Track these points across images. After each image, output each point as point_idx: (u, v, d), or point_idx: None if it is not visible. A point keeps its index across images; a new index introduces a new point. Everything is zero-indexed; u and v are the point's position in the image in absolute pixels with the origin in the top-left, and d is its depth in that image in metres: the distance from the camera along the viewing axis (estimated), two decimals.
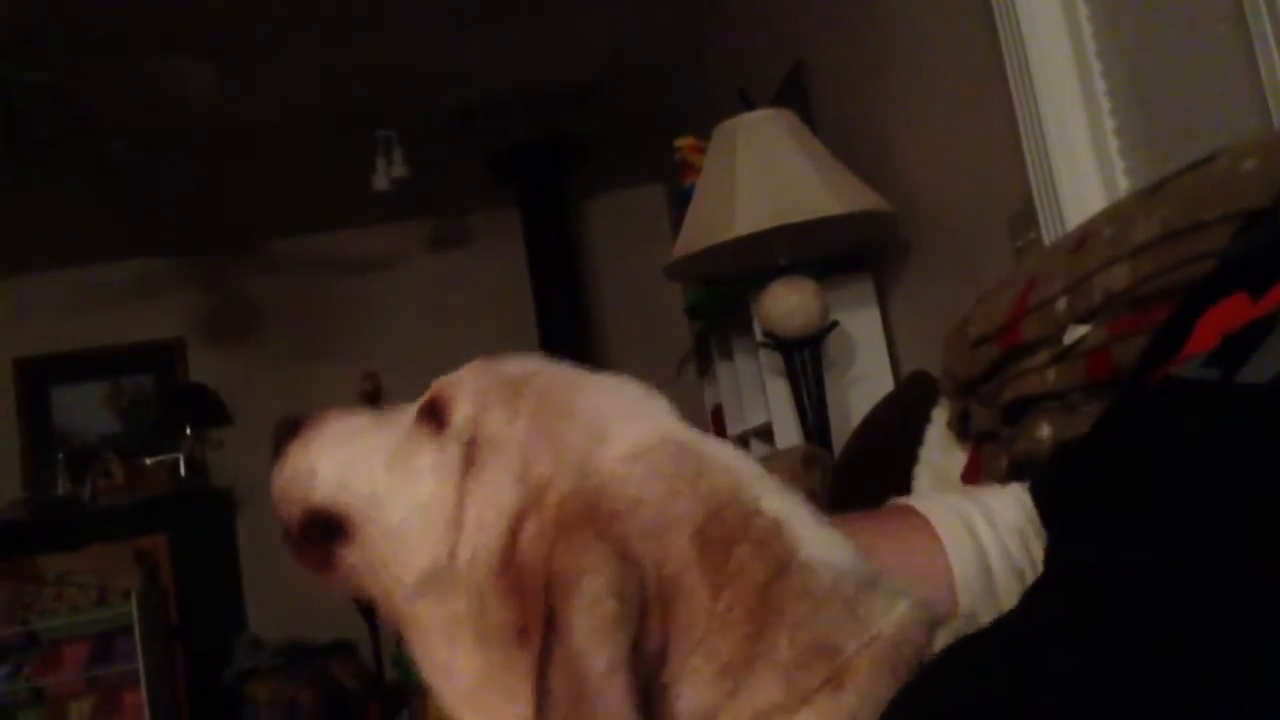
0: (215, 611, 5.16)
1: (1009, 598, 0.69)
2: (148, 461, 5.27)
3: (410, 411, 0.71)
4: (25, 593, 4.66)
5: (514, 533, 0.61)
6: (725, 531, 0.60)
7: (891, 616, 0.58)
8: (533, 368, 0.70)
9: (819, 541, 0.62)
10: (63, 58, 3.17)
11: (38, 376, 5.67)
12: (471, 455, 0.65)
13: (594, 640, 0.53)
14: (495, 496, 0.62)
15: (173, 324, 5.73)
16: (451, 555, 0.63)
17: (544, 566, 0.57)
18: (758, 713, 0.55)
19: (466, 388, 0.68)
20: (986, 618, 0.63)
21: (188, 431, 5.40)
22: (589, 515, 0.59)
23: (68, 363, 5.64)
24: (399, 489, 0.66)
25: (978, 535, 0.74)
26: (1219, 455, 0.51)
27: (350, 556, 0.68)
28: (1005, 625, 0.55)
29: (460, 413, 0.66)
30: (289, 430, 0.74)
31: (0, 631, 4.54)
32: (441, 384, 0.70)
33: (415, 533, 0.64)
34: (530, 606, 0.58)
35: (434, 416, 0.68)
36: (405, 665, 3.78)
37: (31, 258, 5.45)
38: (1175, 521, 0.50)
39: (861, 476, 1.91)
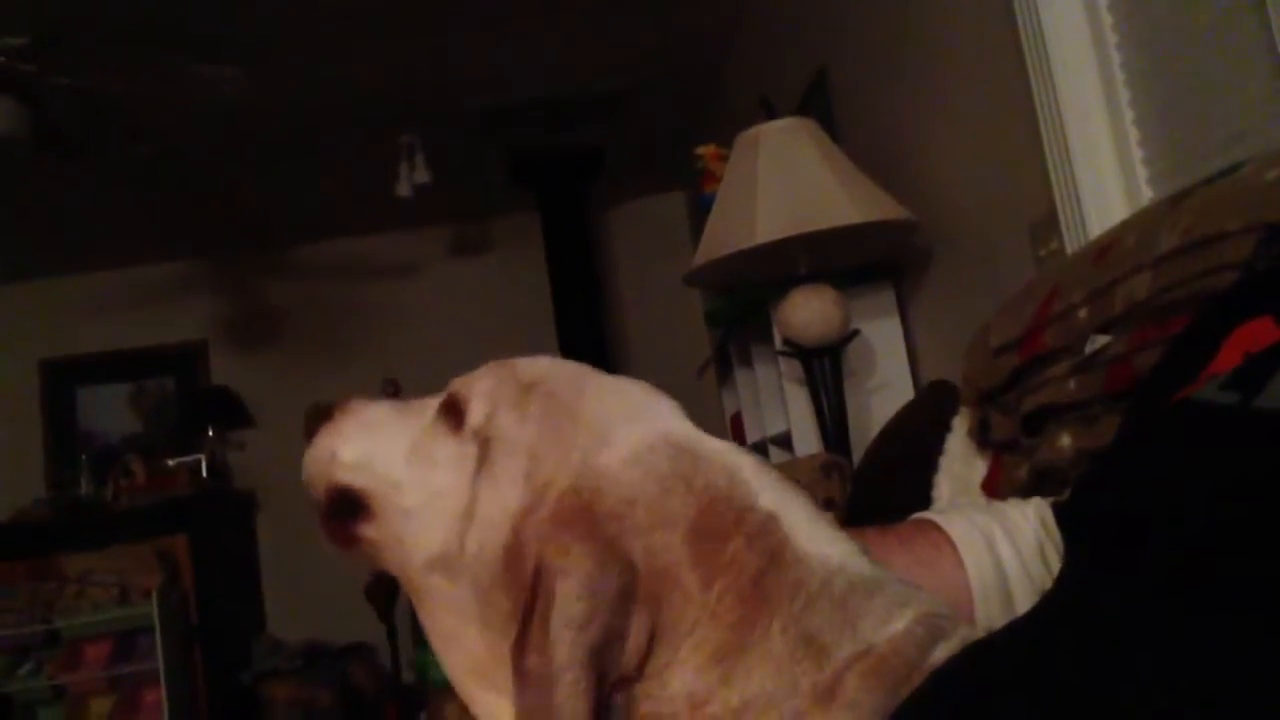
0: (235, 612, 5.18)
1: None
2: (170, 463, 5.30)
3: (430, 406, 0.75)
4: (47, 591, 4.70)
5: (516, 530, 0.65)
6: (719, 525, 0.62)
7: (888, 629, 0.59)
8: (543, 369, 0.73)
9: (814, 537, 0.63)
10: (91, 61, 3.20)
11: (62, 377, 5.72)
12: (485, 453, 0.68)
13: (559, 636, 0.58)
14: (503, 495, 0.66)
15: (196, 327, 5.78)
16: (461, 546, 0.67)
17: (535, 559, 0.62)
18: (747, 701, 0.57)
19: (481, 389, 0.72)
20: None
21: (209, 433, 5.44)
22: (581, 515, 0.62)
23: (92, 364, 5.69)
24: (416, 477, 0.71)
25: (998, 552, 0.75)
26: (1234, 481, 0.51)
27: (370, 532, 0.74)
28: (1008, 638, 0.55)
29: (476, 413, 0.70)
30: (320, 416, 0.79)
31: (23, 629, 4.58)
32: (459, 384, 0.74)
33: (429, 518, 0.69)
34: (521, 593, 0.62)
35: (452, 414, 0.72)
36: (423, 668, 3.79)
37: (57, 260, 5.50)
38: (1184, 545, 0.50)
39: (881, 485, 1.91)
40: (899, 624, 0.59)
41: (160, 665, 4.45)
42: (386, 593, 4.76)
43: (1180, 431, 0.59)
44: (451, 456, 0.70)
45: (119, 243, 5.38)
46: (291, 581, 5.38)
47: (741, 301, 2.97)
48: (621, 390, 0.72)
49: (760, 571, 0.60)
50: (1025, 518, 0.77)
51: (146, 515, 4.91)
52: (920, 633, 0.59)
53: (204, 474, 5.31)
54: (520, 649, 0.59)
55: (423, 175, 4.56)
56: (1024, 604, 0.72)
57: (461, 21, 3.83)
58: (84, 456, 5.36)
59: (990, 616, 0.72)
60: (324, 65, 3.98)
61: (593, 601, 0.58)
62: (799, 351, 2.45)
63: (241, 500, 5.54)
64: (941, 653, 0.58)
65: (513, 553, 0.64)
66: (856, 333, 2.47)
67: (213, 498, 5.23)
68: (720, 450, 0.67)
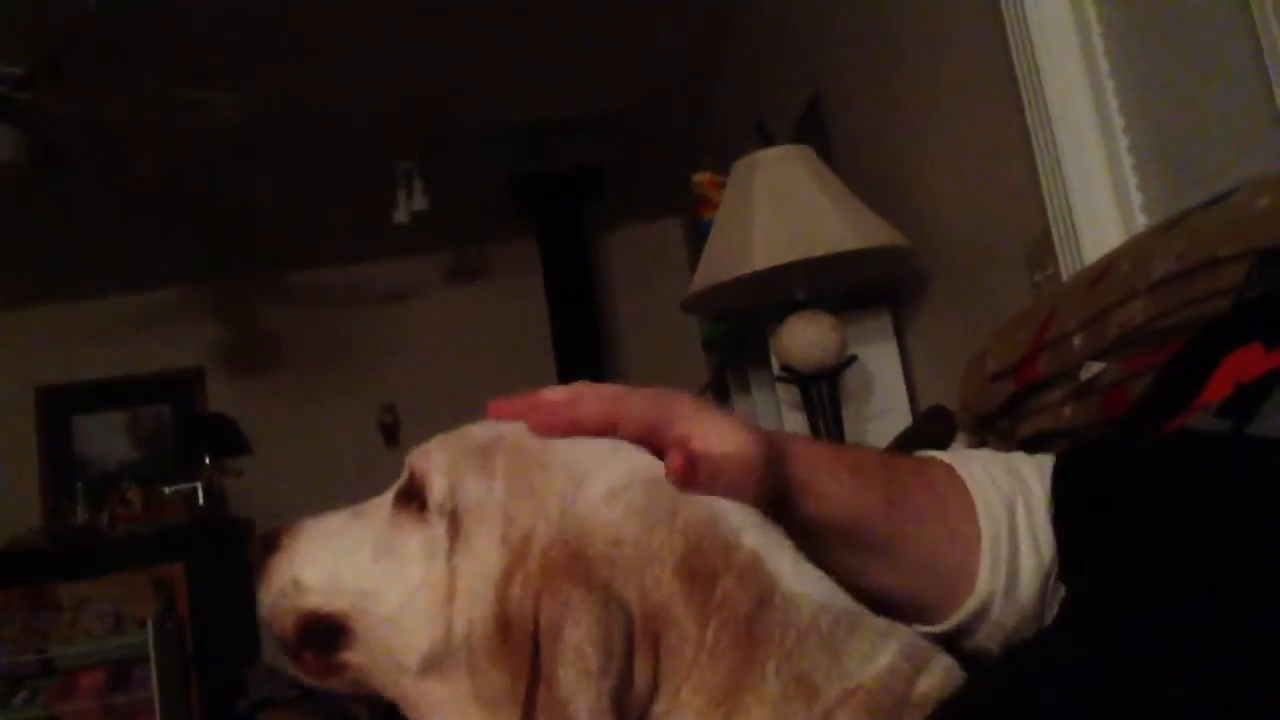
0: (231, 640, 5.15)
1: (1029, 599, 0.71)
2: (166, 490, 5.29)
3: (387, 497, 0.71)
4: (42, 620, 4.67)
5: (502, 596, 0.61)
6: (707, 563, 0.60)
7: (874, 666, 0.58)
8: (500, 428, 0.70)
9: (799, 575, 0.62)
10: (88, 87, 3.22)
11: (58, 405, 5.72)
12: (455, 528, 0.65)
13: (577, 689, 0.55)
14: (483, 565, 0.63)
15: (192, 354, 5.78)
16: (448, 632, 0.63)
17: (531, 616, 0.59)
18: None
19: (438, 462, 0.68)
20: (1001, 617, 0.68)
21: (206, 461, 5.43)
22: (574, 562, 0.60)
23: (88, 391, 5.69)
24: (390, 578, 0.66)
25: (1016, 530, 0.73)
26: (1229, 509, 0.52)
27: (353, 657, 0.68)
28: (1006, 673, 0.55)
29: (437, 489, 0.66)
30: (267, 545, 0.73)
31: (17, 658, 4.56)
32: (413, 462, 0.70)
33: (412, 618, 0.65)
34: (520, 657, 0.59)
35: (412, 498, 0.68)
36: None
37: (53, 287, 5.51)
38: (1179, 578, 0.50)
39: None
40: (883, 659, 0.59)
41: (155, 694, 4.42)
42: None
43: (1174, 461, 0.60)
44: (421, 544, 0.66)
45: (115, 269, 5.39)
46: None
47: (739, 327, 2.97)
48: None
49: (752, 612, 0.59)
50: (1042, 484, 0.75)
51: (143, 543, 4.89)
52: (904, 667, 0.58)
53: (201, 502, 5.29)
54: (530, 708, 0.56)
55: (420, 202, 4.58)
56: (1027, 587, 0.71)
57: (457, 46, 3.85)
58: (80, 484, 5.35)
59: (990, 595, 0.71)
60: (320, 91, 4.00)
61: (607, 647, 0.56)
62: (796, 377, 2.45)
63: (238, 528, 5.51)
64: (924, 684, 0.58)
65: (503, 621, 0.61)
66: (854, 358, 2.47)
67: (209, 526, 5.21)
68: None
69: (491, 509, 0.64)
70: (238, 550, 5.51)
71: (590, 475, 0.64)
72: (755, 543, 0.63)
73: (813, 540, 0.66)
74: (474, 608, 0.62)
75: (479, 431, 0.70)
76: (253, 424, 5.58)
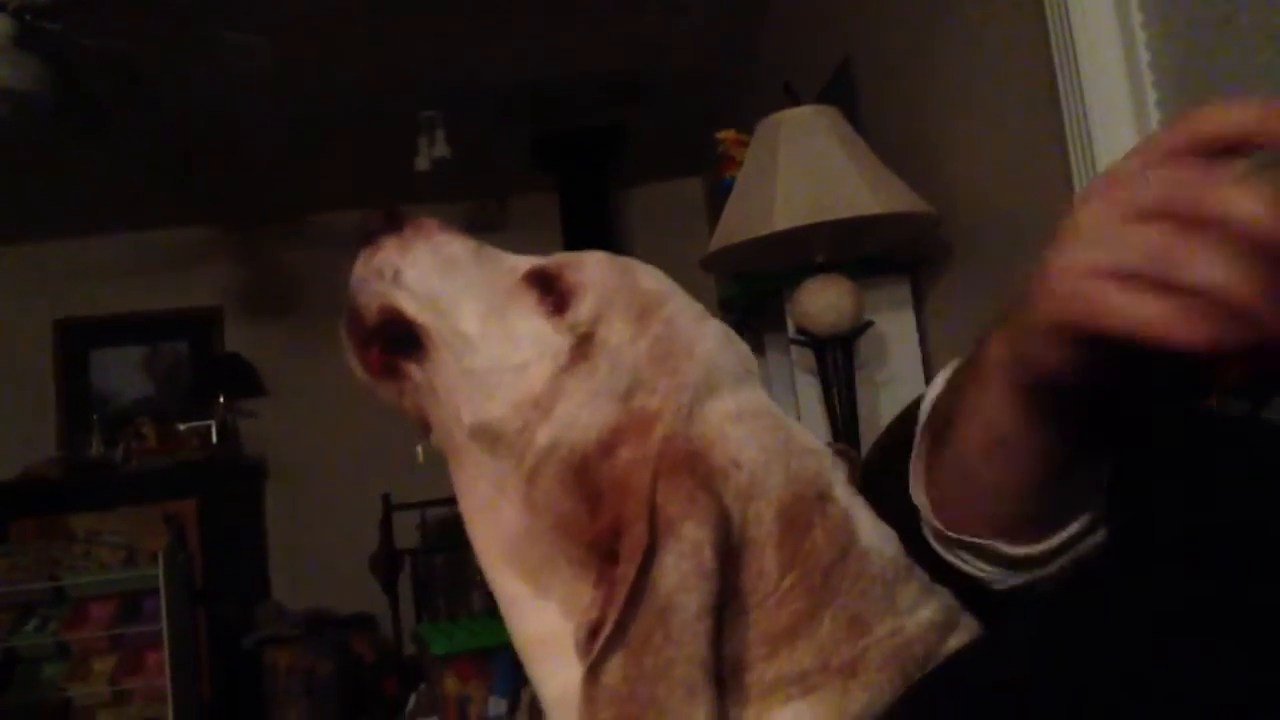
0: (240, 578, 5.21)
1: None
2: (181, 427, 5.33)
3: (514, 266, 0.71)
4: (55, 549, 4.73)
5: (606, 446, 0.62)
6: (805, 514, 0.62)
7: (917, 616, 0.61)
8: (666, 290, 0.70)
9: (875, 531, 0.64)
10: (117, 23, 3.20)
11: (77, 338, 5.75)
12: (582, 353, 0.64)
13: (688, 585, 0.55)
14: (594, 405, 0.63)
15: (211, 293, 5.79)
16: (524, 430, 0.63)
17: (642, 495, 0.58)
18: (782, 676, 0.58)
19: (596, 282, 0.67)
20: (1085, 548, 0.65)
21: (221, 400, 5.47)
22: (697, 464, 0.60)
23: (107, 326, 5.72)
24: (493, 343, 0.66)
25: None
26: (1242, 490, 0.52)
27: (417, 375, 0.69)
28: (1015, 640, 0.55)
29: (585, 308, 0.66)
30: (387, 223, 0.72)
31: (30, 586, 4.62)
32: (565, 264, 0.69)
33: (495, 388, 0.65)
34: (606, 522, 0.59)
35: (548, 291, 0.67)
36: (424, 640, 3.81)
37: (75, 221, 5.52)
38: (1185, 561, 0.50)
39: (888, 477, 1.91)
40: (925, 612, 0.61)
41: (164, 627, 4.48)
42: (390, 565, 4.78)
43: (1190, 441, 0.60)
44: (540, 338, 0.65)
45: (137, 206, 5.40)
46: (297, 550, 5.41)
47: (756, 288, 2.97)
48: (732, 341, 0.70)
49: (832, 563, 0.60)
50: None
51: (156, 478, 4.94)
52: (940, 620, 0.61)
53: (214, 440, 5.34)
54: (630, 588, 0.55)
55: (442, 150, 4.56)
56: None
57: (485, 2, 3.83)
58: (96, 417, 5.39)
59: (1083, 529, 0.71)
60: (350, 39, 3.98)
61: (719, 553, 0.56)
62: (812, 340, 2.44)
63: (250, 467, 5.57)
64: (954, 641, 0.60)
65: (592, 464, 0.61)
66: (870, 324, 2.47)
67: (222, 464, 5.26)
68: (805, 434, 0.67)
69: (625, 362, 0.64)
70: (249, 489, 5.56)
71: (724, 388, 0.65)
72: (843, 497, 0.64)
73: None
74: (566, 434, 0.63)
75: (645, 278, 0.70)
76: (268, 366, 5.60)
